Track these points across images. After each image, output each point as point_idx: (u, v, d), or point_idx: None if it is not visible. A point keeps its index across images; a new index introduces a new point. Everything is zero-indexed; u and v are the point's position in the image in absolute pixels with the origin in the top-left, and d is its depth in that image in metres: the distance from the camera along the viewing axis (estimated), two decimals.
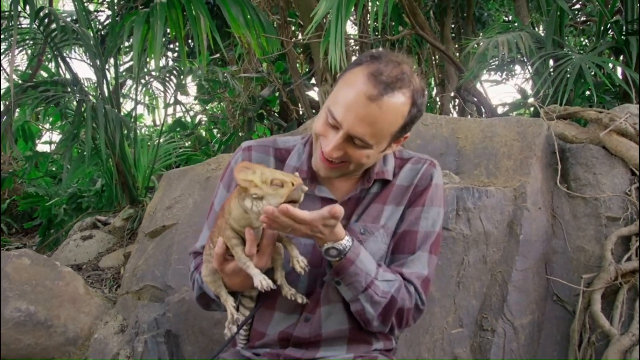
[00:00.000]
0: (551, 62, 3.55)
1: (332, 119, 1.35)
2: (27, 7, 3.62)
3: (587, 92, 3.37)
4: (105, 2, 6.64)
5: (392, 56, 1.39)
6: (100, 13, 6.53)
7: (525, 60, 3.60)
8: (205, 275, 1.40)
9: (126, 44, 5.33)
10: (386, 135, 1.38)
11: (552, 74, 3.30)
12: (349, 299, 1.43)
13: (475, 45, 4.12)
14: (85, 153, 3.89)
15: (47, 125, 7.22)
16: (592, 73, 3.11)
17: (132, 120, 4.75)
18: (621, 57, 3.51)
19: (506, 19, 8.43)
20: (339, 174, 1.46)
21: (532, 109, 3.09)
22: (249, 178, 1.19)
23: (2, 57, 4.11)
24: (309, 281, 1.46)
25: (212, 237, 1.37)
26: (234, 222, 1.25)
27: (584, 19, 6.80)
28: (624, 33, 3.43)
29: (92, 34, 4.10)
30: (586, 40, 7.53)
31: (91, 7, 6.56)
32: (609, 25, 3.54)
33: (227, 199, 1.32)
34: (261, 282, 1.23)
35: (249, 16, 3.72)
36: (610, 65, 3.48)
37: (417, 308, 1.49)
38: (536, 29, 7.64)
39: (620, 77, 3.41)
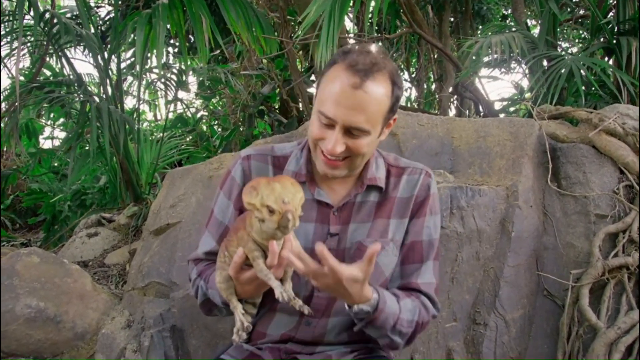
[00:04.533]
0: (545, 61, 3.62)
1: (326, 119, 1.41)
2: (32, 10, 3.69)
3: (583, 88, 3.44)
4: None
5: (362, 47, 1.47)
6: (100, 9, 6.58)
7: (520, 60, 3.67)
8: (219, 282, 1.43)
9: (128, 40, 5.39)
10: (379, 118, 1.44)
11: (545, 73, 3.37)
12: (376, 337, 1.50)
13: (474, 43, 4.19)
14: (89, 151, 3.97)
15: (50, 122, 7.28)
16: (583, 74, 3.18)
17: (135, 118, 4.83)
18: (613, 58, 3.57)
19: (505, 12, 8.46)
20: (346, 172, 1.50)
21: (529, 103, 3.17)
22: (252, 202, 1.24)
23: (2, 54, 4.20)
24: (309, 284, 1.51)
25: (227, 246, 1.40)
26: (256, 234, 1.29)
27: (583, 12, 6.83)
28: (615, 33, 3.50)
29: (93, 32, 4.17)
30: (585, 33, 7.57)
31: (91, 1, 6.60)
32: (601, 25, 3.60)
33: (247, 213, 1.34)
34: (282, 293, 1.28)
35: (248, 17, 3.80)
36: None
37: (432, 317, 1.59)
38: (534, 23, 7.70)
39: (612, 76, 3.48)
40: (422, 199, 1.60)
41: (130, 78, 6.28)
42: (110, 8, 6.28)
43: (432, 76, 8.81)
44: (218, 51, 6.30)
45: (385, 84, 1.42)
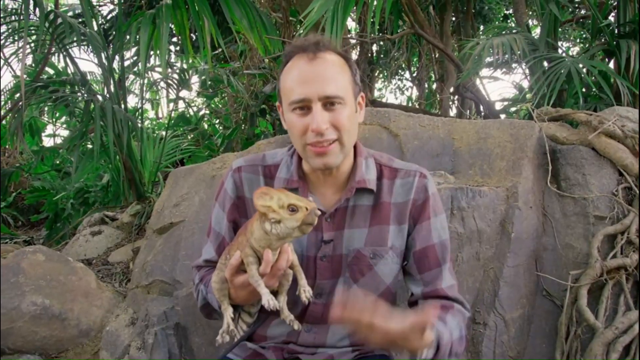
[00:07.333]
0: (545, 63, 3.65)
1: (299, 103, 1.41)
2: (37, 10, 3.71)
3: (584, 90, 3.46)
4: None
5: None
6: (102, 8, 6.60)
7: (521, 61, 3.70)
8: (214, 281, 1.45)
9: (129, 37, 5.41)
10: (346, 84, 1.44)
11: (545, 73, 3.40)
12: None
13: (476, 45, 4.21)
14: (93, 149, 4.00)
15: (52, 120, 7.31)
16: (582, 76, 3.21)
17: (138, 116, 4.86)
18: (613, 60, 3.59)
19: (507, 12, 8.48)
20: (340, 158, 1.46)
21: (529, 105, 3.19)
22: (267, 204, 1.24)
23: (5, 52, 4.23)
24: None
25: (230, 250, 1.42)
26: (255, 242, 1.30)
27: (584, 12, 6.84)
28: (616, 36, 3.52)
29: (97, 32, 4.19)
30: (587, 34, 7.58)
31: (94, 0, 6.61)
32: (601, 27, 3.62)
33: (250, 219, 1.36)
34: (269, 301, 1.28)
35: (251, 17, 3.82)
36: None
37: (466, 318, 1.56)
38: (536, 23, 7.72)
39: (612, 79, 3.50)
40: (421, 201, 1.56)
41: (132, 77, 6.31)
42: (112, 6, 6.31)
43: (433, 76, 8.84)
44: (220, 50, 6.31)
45: (335, 56, 1.46)
